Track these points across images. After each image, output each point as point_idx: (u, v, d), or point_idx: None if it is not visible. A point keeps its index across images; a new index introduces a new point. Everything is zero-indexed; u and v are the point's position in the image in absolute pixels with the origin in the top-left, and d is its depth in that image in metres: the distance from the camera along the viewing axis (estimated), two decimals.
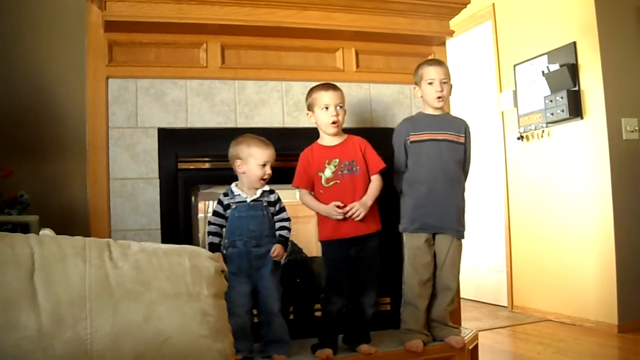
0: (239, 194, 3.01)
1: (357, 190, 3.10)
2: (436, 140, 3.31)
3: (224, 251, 2.97)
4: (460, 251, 3.38)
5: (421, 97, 3.40)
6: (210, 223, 3.03)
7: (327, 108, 3.12)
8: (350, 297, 3.14)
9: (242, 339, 2.85)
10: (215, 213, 3.04)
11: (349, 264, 3.10)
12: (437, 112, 3.37)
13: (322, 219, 3.14)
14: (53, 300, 1.43)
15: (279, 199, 3.10)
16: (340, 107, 3.15)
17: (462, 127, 3.40)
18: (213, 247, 2.95)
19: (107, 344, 1.44)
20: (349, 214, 3.03)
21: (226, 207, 3.01)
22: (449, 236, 3.30)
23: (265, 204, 3.04)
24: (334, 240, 3.10)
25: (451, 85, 3.38)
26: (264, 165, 2.98)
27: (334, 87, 3.20)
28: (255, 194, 3.02)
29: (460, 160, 3.37)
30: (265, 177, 3.00)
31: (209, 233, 3.01)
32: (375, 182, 3.15)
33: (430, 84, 3.32)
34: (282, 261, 3.11)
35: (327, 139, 3.19)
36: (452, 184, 3.32)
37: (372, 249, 3.15)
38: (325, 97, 3.14)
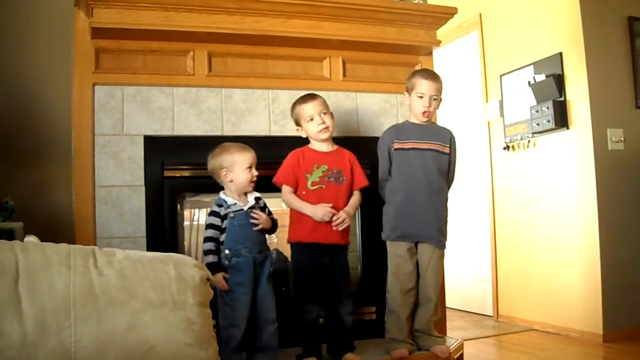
0: (235, 203, 2.96)
1: (340, 200, 3.13)
2: (420, 149, 3.32)
3: (226, 262, 2.88)
4: (442, 261, 3.38)
5: (409, 104, 3.41)
6: (207, 239, 2.91)
7: (312, 119, 3.14)
8: (327, 308, 3.14)
9: (238, 350, 2.85)
10: (212, 226, 2.92)
11: (322, 271, 3.10)
12: (424, 122, 3.38)
13: (298, 219, 3.13)
14: (37, 308, 1.42)
15: (266, 204, 3.10)
16: (325, 113, 3.17)
17: (447, 137, 3.42)
18: (215, 268, 2.83)
19: (91, 353, 1.43)
20: (336, 221, 3.04)
21: (223, 217, 2.94)
22: (430, 246, 3.31)
23: (258, 210, 3.03)
24: (307, 245, 3.09)
25: (441, 99, 3.39)
26: (249, 167, 2.98)
27: (313, 97, 3.22)
28: (249, 201, 3.00)
29: (444, 171, 3.38)
30: (254, 179, 2.99)
31: (208, 252, 2.89)
32: (357, 196, 3.22)
33: (420, 97, 3.32)
34: (269, 270, 3.10)
35: (317, 145, 3.21)
36: (434, 194, 3.32)
37: (344, 257, 3.19)
38: (307, 109, 3.17)
